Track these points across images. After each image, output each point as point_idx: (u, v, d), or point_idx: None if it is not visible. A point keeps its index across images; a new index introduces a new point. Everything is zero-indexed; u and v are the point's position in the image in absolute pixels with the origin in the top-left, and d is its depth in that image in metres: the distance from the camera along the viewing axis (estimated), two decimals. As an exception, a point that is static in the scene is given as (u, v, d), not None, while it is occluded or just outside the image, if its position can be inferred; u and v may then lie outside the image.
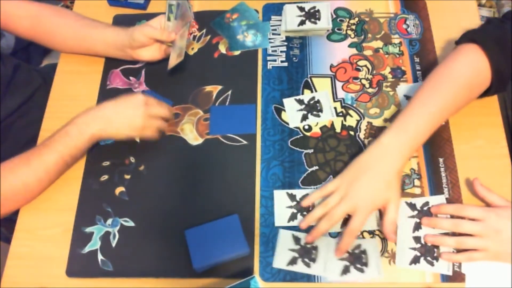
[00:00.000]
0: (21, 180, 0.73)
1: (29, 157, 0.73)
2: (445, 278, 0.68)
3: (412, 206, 0.73)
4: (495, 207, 0.69)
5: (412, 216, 0.72)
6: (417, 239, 0.70)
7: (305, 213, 0.73)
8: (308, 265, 0.70)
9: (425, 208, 0.73)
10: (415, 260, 0.69)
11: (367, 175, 0.68)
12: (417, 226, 0.71)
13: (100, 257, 0.72)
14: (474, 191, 0.72)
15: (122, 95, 0.77)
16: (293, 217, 0.73)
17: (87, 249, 0.73)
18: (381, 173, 0.68)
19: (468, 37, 0.74)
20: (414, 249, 0.70)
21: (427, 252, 0.69)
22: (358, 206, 0.67)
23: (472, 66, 0.72)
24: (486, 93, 0.75)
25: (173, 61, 0.83)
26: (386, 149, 0.69)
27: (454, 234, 0.70)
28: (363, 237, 0.71)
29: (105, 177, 0.79)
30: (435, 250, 0.70)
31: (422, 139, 0.70)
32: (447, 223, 0.69)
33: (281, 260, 0.70)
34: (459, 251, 0.69)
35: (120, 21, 0.95)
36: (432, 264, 0.69)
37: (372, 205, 0.67)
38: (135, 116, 0.75)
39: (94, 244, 0.74)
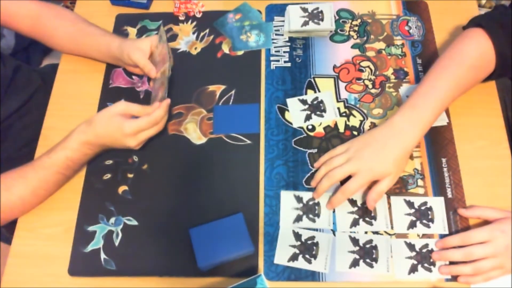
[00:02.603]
0: (17, 196, 0.72)
1: (26, 173, 0.73)
2: (451, 278, 0.69)
3: (410, 204, 0.74)
4: (495, 221, 0.69)
5: (409, 214, 0.73)
6: (411, 246, 0.71)
7: (311, 215, 0.73)
8: (309, 262, 0.70)
9: (422, 208, 0.73)
10: (413, 269, 0.69)
11: (376, 145, 0.70)
12: (412, 224, 0.72)
13: (103, 256, 0.72)
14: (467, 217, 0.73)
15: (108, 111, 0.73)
16: (298, 219, 0.73)
17: (89, 248, 0.73)
18: (389, 147, 0.70)
19: (475, 22, 0.77)
20: (410, 257, 0.70)
21: (423, 259, 0.70)
22: (360, 170, 0.69)
23: (478, 49, 0.74)
24: (490, 77, 0.77)
25: (156, 99, 0.78)
26: (397, 128, 0.71)
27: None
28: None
29: (108, 176, 0.78)
30: (431, 255, 0.70)
31: (433, 119, 0.72)
32: (458, 254, 0.69)
33: (282, 256, 0.70)
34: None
35: (123, 21, 0.95)
36: (430, 270, 0.69)
37: (373, 173, 0.69)
38: (126, 140, 0.73)
39: (97, 243, 0.73)
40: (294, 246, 0.71)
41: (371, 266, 0.69)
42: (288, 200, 0.75)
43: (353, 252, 0.70)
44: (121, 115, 0.72)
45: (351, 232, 0.72)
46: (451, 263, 0.69)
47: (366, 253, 0.70)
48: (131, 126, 0.71)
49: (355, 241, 0.71)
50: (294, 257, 0.70)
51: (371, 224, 0.72)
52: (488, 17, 0.77)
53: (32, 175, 0.72)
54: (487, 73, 0.76)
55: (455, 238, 0.70)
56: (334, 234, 0.72)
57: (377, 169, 0.69)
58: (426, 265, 0.69)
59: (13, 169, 0.73)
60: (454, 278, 0.69)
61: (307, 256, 0.70)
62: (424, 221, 0.72)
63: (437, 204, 0.74)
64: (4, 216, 0.72)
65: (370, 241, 0.71)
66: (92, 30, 0.86)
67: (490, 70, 0.76)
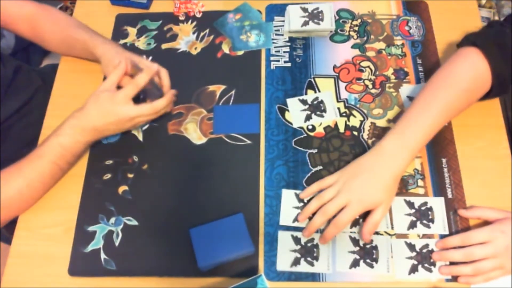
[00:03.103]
0: (15, 189, 0.72)
1: (22, 166, 0.73)
2: (451, 278, 0.69)
3: (410, 204, 0.74)
4: (495, 222, 0.69)
5: (409, 214, 0.73)
6: (411, 247, 0.71)
7: (310, 215, 0.73)
8: (311, 264, 0.70)
9: (423, 208, 0.73)
10: (413, 269, 0.69)
11: (365, 175, 0.69)
12: (413, 224, 0.72)
13: (103, 256, 0.72)
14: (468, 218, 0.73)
15: (102, 95, 0.74)
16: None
17: (89, 248, 0.73)
18: (379, 175, 0.68)
19: (470, 40, 0.75)
20: (411, 258, 0.70)
21: (424, 259, 0.70)
22: (351, 201, 0.67)
23: (473, 70, 0.72)
24: (487, 96, 0.76)
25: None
26: (386, 153, 0.69)
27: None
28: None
29: (108, 176, 0.78)
30: (431, 255, 0.70)
31: (422, 144, 0.70)
32: (458, 255, 0.68)
33: (284, 262, 0.70)
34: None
35: (123, 20, 0.94)
36: (430, 270, 0.69)
37: (364, 203, 0.67)
38: (123, 124, 0.75)
39: (97, 243, 0.73)
40: (294, 251, 0.71)
41: (371, 266, 0.69)
42: (288, 199, 0.75)
43: (353, 252, 0.70)
44: (109, 90, 0.74)
45: (351, 232, 0.72)
46: (452, 263, 0.69)
47: (366, 254, 0.70)
48: (123, 94, 0.73)
49: (355, 241, 0.71)
50: (296, 262, 0.70)
51: None
52: (483, 36, 0.75)
53: (27, 167, 0.72)
54: (482, 93, 0.74)
55: (455, 239, 0.70)
56: (334, 234, 0.72)
57: (368, 200, 0.68)
58: (426, 265, 0.69)
59: (10, 165, 0.73)
60: (455, 278, 0.69)
61: (309, 258, 0.70)
62: (424, 221, 0.72)
63: (437, 204, 0.74)
64: (3, 213, 0.72)
65: (370, 241, 0.71)
66: (83, 36, 0.83)
67: (485, 90, 0.74)
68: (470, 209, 0.72)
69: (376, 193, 0.68)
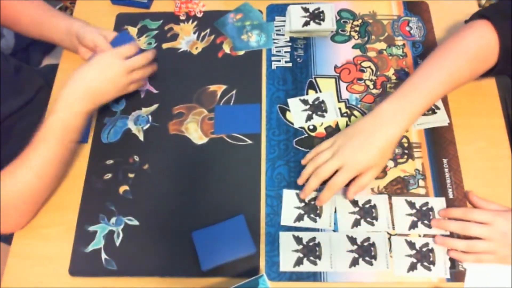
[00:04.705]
0: (24, 183, 0.69)
1: (26, 156, 0.69)
2: (451, 278, 0.69)
3: (411, 205, 0.74)
4: (498, 211, 0.70)
5: (410, 214, 0.73)
6: (411, 245, 0.71)
7: (312, 215, 0.73)
8: (314, 263, 0.70)
9: (424, 208, 0.73)
10: (412, 267, 0.69)
11: (361, 137, 0.69)
12: (414, 225, 0.72)
13: (103, 256, 0.72)
14: (471, 202, 0.74)
15: (94, 57, 0.77)
16: (299, 218, 0.73)
17: (90, 248, 0.73)
18: (373, 138, 0.68)
19: (479, 13, 0.74)
20: (410, 256, 0.70)
21: (423, 257, 0.70)
22: (345, 163, 0.68)
23: (480, 40, 0.71)
24: (490, 73, 0.74)
25: None
26: (384, 116, 0.70)
27: (459, 237, 0.71)
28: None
29: (108, 176, 0.78)
30: (431, 254, 0.70)
31: (421, 110, 0.70)
32: (455, 226, 0.70)
33: (287, 262, 0.70)
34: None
35: (123, 20, 0.94)
36: (429, 269, 0.69)
37: (358, 165, 0.68)
38: (119, 79, 0.77)
39: (98, 243, 0.73)
40: (297, 251, 0.71)
41: (370, 264, 0.69)
42: (290, 199, 0.74)
43: (351, 251, 0.70)
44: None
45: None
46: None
47: (365, 251, 0.70)
48: (121, 52, 0.78)
49: (352, 240, 0.71)
50: (299, 262, 0.70)
51: (372, 224, 0.72)
52: (493, 9, 0.74)
53: (32, 155, 0.69)
54: (486, 67, 0.73)
55: (458, 210, 0.71)
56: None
57: (360, 163, 0.68)
58: (425, 263, 0.69)
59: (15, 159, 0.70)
60: (455, 278, 0.69)
61: (311, 258, 0.70)
62: (426, 222, 0.72)
63: (438, 205, 0.74)
64: (14, 211, 0.69)
65: (368, 239, 0.71)
66: (55, 13, 0.87)
67: (491, 64, 0.72)
68: (476, 197, 0.73)
69: (369, 156, 0.68)
